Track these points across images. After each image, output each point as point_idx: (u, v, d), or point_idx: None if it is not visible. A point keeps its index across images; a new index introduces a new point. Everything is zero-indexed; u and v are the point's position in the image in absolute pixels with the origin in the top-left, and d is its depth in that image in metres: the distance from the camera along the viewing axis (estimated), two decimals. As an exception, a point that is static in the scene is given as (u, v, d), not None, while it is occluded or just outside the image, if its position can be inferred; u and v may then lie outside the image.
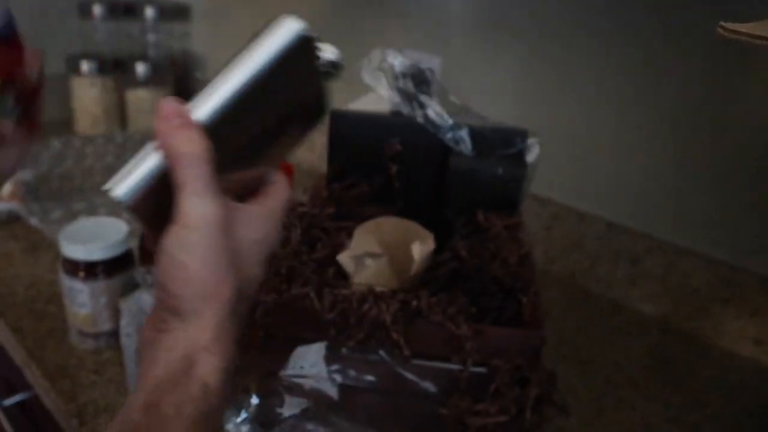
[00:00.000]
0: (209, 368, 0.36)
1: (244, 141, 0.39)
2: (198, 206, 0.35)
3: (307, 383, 0.58)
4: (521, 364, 0.55)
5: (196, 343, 0.36)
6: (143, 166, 0.36)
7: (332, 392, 0.58)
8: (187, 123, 0.36)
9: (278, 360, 0.59)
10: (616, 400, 0.75)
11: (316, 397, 0.58)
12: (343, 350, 0.56)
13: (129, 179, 0.36)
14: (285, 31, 0.38)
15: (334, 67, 0.39)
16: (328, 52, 0.40)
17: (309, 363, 0.57)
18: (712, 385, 0.79)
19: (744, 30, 0.32)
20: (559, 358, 0.82)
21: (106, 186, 0.36)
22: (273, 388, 0.58)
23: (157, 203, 0.37)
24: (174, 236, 0.36)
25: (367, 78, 0.69)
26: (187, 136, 0.36)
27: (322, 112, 0.43)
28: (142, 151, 0.37)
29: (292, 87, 0.39)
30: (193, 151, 0.36)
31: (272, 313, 0.57)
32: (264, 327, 0.58)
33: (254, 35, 0.38)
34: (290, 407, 0.59)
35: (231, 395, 0.39)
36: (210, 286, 0.36)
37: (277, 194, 0.42)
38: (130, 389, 0.66)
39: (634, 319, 0.92)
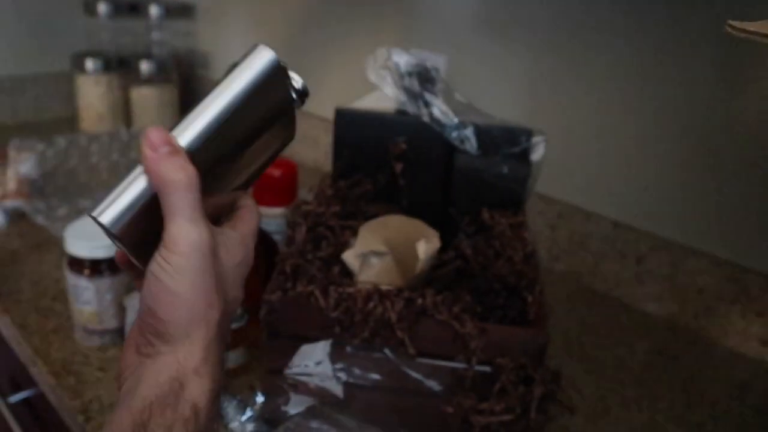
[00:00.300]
0: (199, 390, 0.36)
1: (221, 166, 0.40)
2: (187, 232, 0.36)
3: (312, 381, 0.58)
4: (525, 363, 0.55)
5: (186, 365, 0.36)
6: (130, 192, 0.37)
7: (337, 390, 0.58)
8: (176, 150, 0.37)
9: (283, 358, 0.59)
10: (621, 399, 0.75)
11: (321, 395, 0.58)
12: (348, 348, 0.56)
13: (116, 206, 0.37)
14: (260, 60, 0.40)
15: (302, 94, 0.41)
16: (296, 80, 0.42)
17: (314, 361, 0.57)
18: (718, 385, 0.79)
19: (752, 29, 0.32)
20: (565, 357, 0.82)
21: (93, 213, 0.36)
22: (278, 386, 0.59)
23: (143, 229, 0.37)
24: (162, 262, 0.36)
25: (373, 76, 0.69)
26: (176, 163, 0.36)
27: (291, 137, 0.45)
28: (127, 178, 0.37)
29: (267, 112, 0.40)
30: (182, 178, 0.36)
31: (277, 311, 0.57)
32: (268, 325, 0.58)
33: (233, 65, 0.40)
34: (295, 405, 0.59)
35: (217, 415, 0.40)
36: (199, 311, 0.37)
37: (250, 218, 0.43)
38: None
39: (639, 319, 0.92)
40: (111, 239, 0.38)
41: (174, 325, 0.36)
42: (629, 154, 0.93)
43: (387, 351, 0.55)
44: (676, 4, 0.84)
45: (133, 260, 0.39)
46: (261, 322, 0.59)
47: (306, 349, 0.57)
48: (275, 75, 0.40)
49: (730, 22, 0.33)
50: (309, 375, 0.58)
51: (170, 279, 0.36)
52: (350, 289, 0.55)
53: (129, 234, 0.37)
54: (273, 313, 0.57)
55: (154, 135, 0.37)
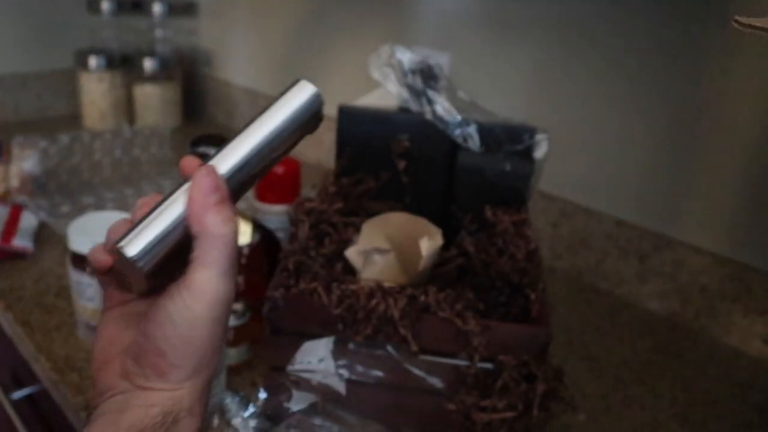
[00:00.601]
0: (189, 429, 0.36)
1: (244, 187, 0.40)
2: (217, 284, 0.35)
3: (315, 378, 0.58)
4: (528, 360, 0.55)
5: (181, 404, 0.36)
6: (160, 226, 0.35)
7: (340, 387, 0.58)
8: (224, 200, 0.36)
9: (285, 355, 0.59)
10: (623, 396, 0.75)
11: (323, 392, 0.58)
12: (350, 345, 0.56)
13: (143, 238, 0.35)
14: (304, 94, 0.40)
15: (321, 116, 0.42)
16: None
17: (317, 358, 0.57)
18: (720, 383, 0.79)
19: (758, 24, 0.32)
20: (567, 355, 0.82)
21: (120, 243, 0.35)
22: (280, 382, 0.59)
23: (161, 264, 0.36)
24: (184, 309, 0.35)
25: (376, 74, 0.69)
26: (224, 215, 0.35)
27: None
28: (159, 209, 0.36)
29: (298, 140, 0.41)
30: (227, 233, 0.35)
31: (280, 308, 0.57)
32: (271, 322, 0.58)
33: (275, 98, 0.40)
34: (298, 402, 0.59)
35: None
36: (208, 358, 0.36)
37: None
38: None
39: (642, 317, 0.92)
40: (123, 266, 0.36)
41: (181, 370, 0.36)
42: (632, 152, 0.93)
43: (389, 348, 0.55)
44: (675, 3, 0.84)
45: (126, 283, 0.38)
46: (264, 318, 0.59)
47: (308, 346, 0.57)
48: (314, 109, 0.40)
49: (737, 17, 0.33)
50: (312, 372, 0.58)
51: (189, 328, 0.35)
52: (353, 286, 0.55)
53: (150, 268, 0.35)
54: (275, 309, 0.57)
55: (205, 180, 0.35)
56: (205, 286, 0.35)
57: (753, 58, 0.79)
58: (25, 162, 1.06)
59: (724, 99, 0.83)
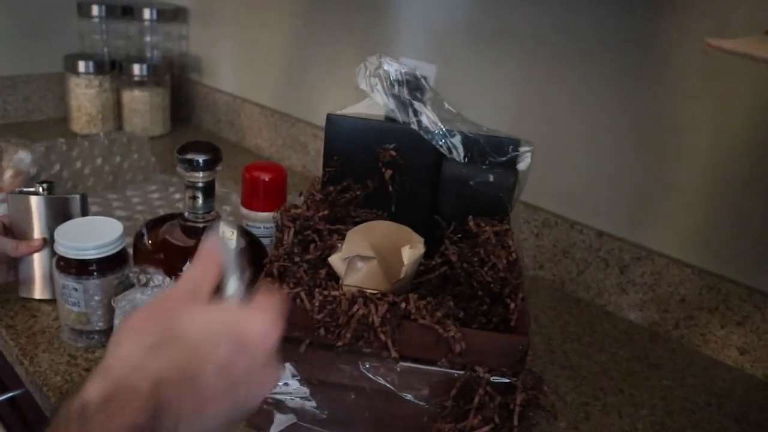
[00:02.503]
0: None
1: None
2: None
3: (291, 399, 0.59)
4: (506, 371, 0.55)
5: None
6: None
7: (313, 406, 0.59)
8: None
9: None
10: (603, 405, 0.76)
11: (300, 413, 0.59)
12: (315, 363, 0.57)
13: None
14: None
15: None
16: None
17: (283, 381, 0.58)
18: (697, 392, 0.80)
19: (728, 47, 0.33)
20: (548, 364, 0.83)
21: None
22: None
23: None
24: None
25: (363, 84, 0.70)
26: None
27: None
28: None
29: None
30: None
31: None
32: None
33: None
34: (279, 424, 0.60)
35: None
36: None
37: None
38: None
39: (622, 326, 0.93)
40: None
41: None
42: (613, 164, 0.94)
43: (360, 364, 0.56)
44: (661, 17, 0.85)
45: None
46: None
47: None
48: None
49: (708, 39, 0.35)
50: (287, 393, 0.59)
51: None
52: (335, 292, 0.55)
53: None
54: None
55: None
56: None
57: (729, 70, 0.81)
58: (19, 163, 1.05)
59: (706, 114, 0.85)
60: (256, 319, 0.39)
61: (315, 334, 0.56)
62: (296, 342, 0.56)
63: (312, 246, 0.66)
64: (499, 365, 0.55)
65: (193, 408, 0.35)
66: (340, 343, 0.54)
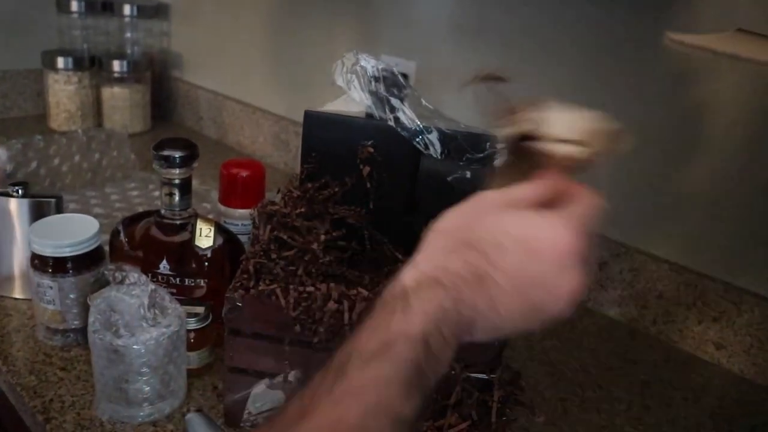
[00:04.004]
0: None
1: None
2: None
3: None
4: (483, 367, 0.55)
5: None
6: None
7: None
8: None
9: (244, 356, 0.59)
10: (581, 401, 0.77)
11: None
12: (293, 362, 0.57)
13: None
14: None
15: None
16: None
17: (260, 402, 0.58)
18: (674, 388, 0.81)
19: (688, 41, 0.33)
20: (527, 361, 0.83)
21: None
22: (239, 383, 0.59)
23: None
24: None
25: (340, 80, 0.70)
26: None
27: None
28: None
29: None
30: None
31: (238, 309, 0.57)
32: (230, 323, 0.59)
33: None
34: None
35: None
36: None
37: None
38: (98, 387, 0.66)
39: (601, 323, 0.94)
40: None
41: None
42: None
43: None
44: (641, 13, 0.86)
45: None
46: (223, 319, 0.59)
47: (257, 392, 0.60)
48: None
49: (670, 34, 0.35)
50: (263, 413, 0.59)
51: None
52: (310, 289, 0.55)
53: None
54: (234, 310, 0.57)
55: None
56: None
57: (704, 70, 0.82)
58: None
59: (684, 111, 0.85)
60: (548, 225, 0.41)
61: (290, 331, 0.55)
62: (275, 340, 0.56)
63: (288, 243, 0.66)
64: (476, 361, 0.55)
65: (487, 307, 0.39)
66: (315, 340, 0.54)
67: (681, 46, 0.33)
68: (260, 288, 0.56)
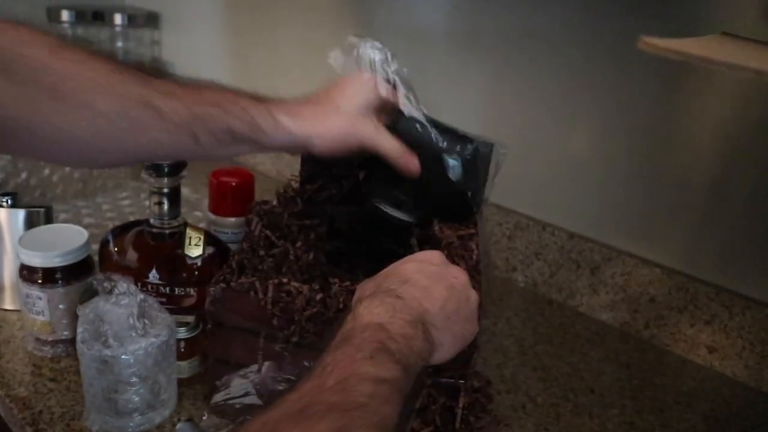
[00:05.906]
0: None
1: None
2: None
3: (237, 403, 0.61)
4: (453, 374, 0.55)
5: None
6: None
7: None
8: None
9: (225, 348, 0.61)
10: (572, 406, 0.76)
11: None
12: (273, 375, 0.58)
13: None
14: None
15: None
16: None
17: (235, 387, 0.60)
18: (667, 391, 0.81)
19: (662, 45, 0.34)
20: (519, 366, 0.83)
21: None
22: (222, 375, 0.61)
23: None
24: None
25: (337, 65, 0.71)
26: None
27: None
28: None
29: None
30: None
31: (219, 301, 0.59)
32: (211, 315, 0.61)
33: None
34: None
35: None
36: None
37: None
38: (87, 397, 0.65)
39: (594, 327, 0.94)
40: None
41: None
42: (583, 167, 0.95)
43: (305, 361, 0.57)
44: (631, 20, 0.86)
45: None
46: (206, 311, 0.61)
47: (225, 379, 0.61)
48: None
49: (643, 38, 0.35)
50: (233, 399, 0.61)
51: None
52: (288, 286, 0.56)
53: None
54: (215, 303, 0.59)
55: None
56: None
57: (689, 75, 0.82)
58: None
59: (673, 118, 0.85)
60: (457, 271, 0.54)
61: (269, 325, 0.56)
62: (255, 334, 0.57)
63: (278, 241, 0.67)
64: (446, 366, 0.55)
65: (421, 296, 0.49)
66: (294, 338, 0.55)
67: (655, 50, 0.33)
68: (240, 281, 0.57)
